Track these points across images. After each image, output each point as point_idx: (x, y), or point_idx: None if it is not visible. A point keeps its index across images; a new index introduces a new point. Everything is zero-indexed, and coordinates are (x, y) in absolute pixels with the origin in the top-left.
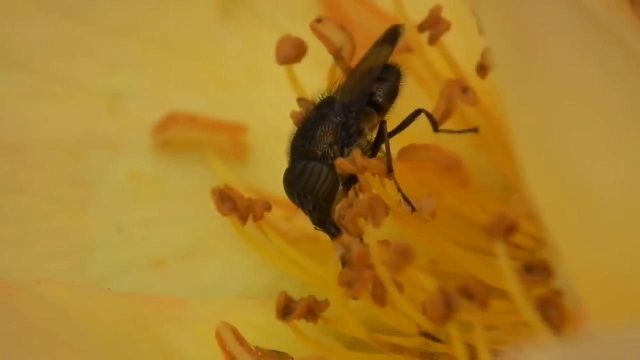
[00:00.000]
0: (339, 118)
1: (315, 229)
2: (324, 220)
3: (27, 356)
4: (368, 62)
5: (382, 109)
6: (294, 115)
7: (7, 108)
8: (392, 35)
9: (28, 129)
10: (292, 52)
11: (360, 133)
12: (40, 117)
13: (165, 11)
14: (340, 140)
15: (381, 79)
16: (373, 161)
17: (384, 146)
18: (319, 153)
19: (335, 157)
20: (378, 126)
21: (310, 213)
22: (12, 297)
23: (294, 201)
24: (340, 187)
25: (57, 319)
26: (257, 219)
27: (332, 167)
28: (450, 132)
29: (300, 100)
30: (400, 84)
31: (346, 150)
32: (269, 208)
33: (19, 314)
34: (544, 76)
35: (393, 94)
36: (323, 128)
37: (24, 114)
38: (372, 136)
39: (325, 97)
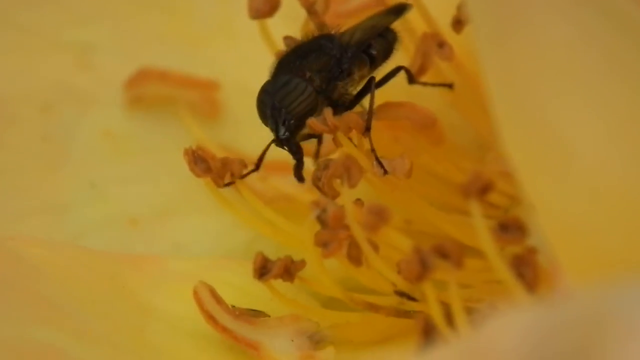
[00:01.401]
0: (334, 51)
1: (277, 145)
2: (289, 139)
3: (4, 311)
4: (371, 21)
5: (374, 62)
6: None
7: None
8: (397, 9)
9: None
10: (264, 7)
11: (349, 74)
12: (9, 70)
13: None
14: (329, 71)
15: (380, 35)
16: (352, 115)
17: (363, 102)
18: (307, 74)
19: (320, 85)
20: (364, 79)
21: (277, 128)
22: None
23: (264, 113)
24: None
25: (33, 275)
26: (234, 176)
27: (315, 91)
28: (425, 84)
29: (287, 38)
30: (396, 46)
31: (332, 83)
32: (245, 166)
33: None
34: (522, 28)
35: (387, 52)
36: (317, 54)
37: None
38: (356, 89)
39: (324, 33)
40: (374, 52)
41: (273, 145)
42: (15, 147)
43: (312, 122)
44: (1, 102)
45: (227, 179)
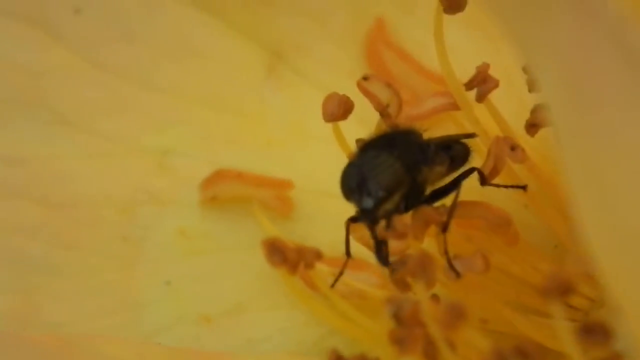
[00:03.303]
0: (419, 140)
1: (360, 220)
2: (373, 212)
3: None
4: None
5: (453, 163)
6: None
7: (58, 166)
8: (465, 135)
9: (79, 186)
10: (338, 110)
11: (432, 163)
12: (91, 174)
13: (211, 69)
14: (414, 154)
15: (456, 143)
16: (429, 210)
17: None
18: (395, 151)
19: (407, 164)
20: (442, 178)
21: (362, 199)
22: (66, 352)
23: (350, 185)
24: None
25: None
26: (307, 267)
27: (403, 167)
28: (498, 185)
29: (359, 141)
30: (470, 157)
31: (417, 165)
32: (319, 256)
33: None
34: (604, 134)
35: (464, 159)
36: (403, 139)
37: (75, 171)
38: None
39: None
40: (452, 153)
41: (342, 243)
42: (94, 248)
43: (379, 230)
44: (82, 205)
45: (301, 269)
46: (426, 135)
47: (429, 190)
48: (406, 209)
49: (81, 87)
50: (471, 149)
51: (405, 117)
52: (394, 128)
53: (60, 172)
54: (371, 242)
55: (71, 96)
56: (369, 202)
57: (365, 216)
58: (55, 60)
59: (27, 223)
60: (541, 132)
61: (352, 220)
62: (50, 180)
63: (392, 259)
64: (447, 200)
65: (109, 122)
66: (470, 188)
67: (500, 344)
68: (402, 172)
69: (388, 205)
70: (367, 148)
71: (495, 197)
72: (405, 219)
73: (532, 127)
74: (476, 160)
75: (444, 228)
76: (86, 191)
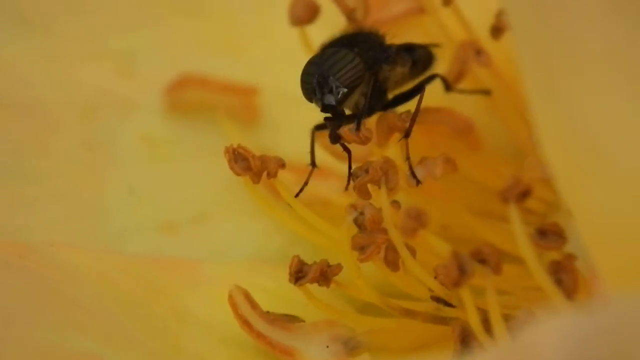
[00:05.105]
0: (380, 40)
1: (322, 111)
2: (335, 109)
3: (41, 317)
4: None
5: (415, 65)
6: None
7: (19, 69)
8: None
9: (40, 90)
10: (304, 14)
11: (394, 62)
12: (52, 77)
13: None
14: (375, 52)
15: (420, 47)
16: (393, 116)
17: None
18: (355, 48)
19: (368, 61)
20: (406, 79)
21: (324, 97)
22: (26, 258)
23: (309, 84)
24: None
25: (71, 281)
26: (270, 176)
27: (364, 62)
28: (462, 91)
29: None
30: (434, 61)
31: (377, 63)
32: (282, 165)
33: (33, 275)
34: (562, 39)
35: (427, 62)
36: (364, 37)
37: (36, 74)
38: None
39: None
40: (415, 56)
41: (308, 152)
42: (57, 153)
43: (345, 132)
44: (44, 109)
45: (264, 178)
46: (389, 40)
47: (392, 95)
48: (369, 112)
49: None
50: (435, 55)
51: (372, 21)
52: (356, 29)
53: (21, 75)
54: (336, 148)
55: None
56: (330, 99)
57: (328, 112)
58: None
59: None
60: (505, 37)
61: (318, 128)
62: (9, 82)
63: (354, 166)
64: (411, 107)
65: (70, 23)
66: (434, 94)
67: (459, 249)
68: (362, 68)
69: (350, 102)
70: (327, 46)
71: (459, 102)
72: (369, 124)
73: (497, 31)
74: (440, 68)
75: (407, 133)
76: (47, 95)
